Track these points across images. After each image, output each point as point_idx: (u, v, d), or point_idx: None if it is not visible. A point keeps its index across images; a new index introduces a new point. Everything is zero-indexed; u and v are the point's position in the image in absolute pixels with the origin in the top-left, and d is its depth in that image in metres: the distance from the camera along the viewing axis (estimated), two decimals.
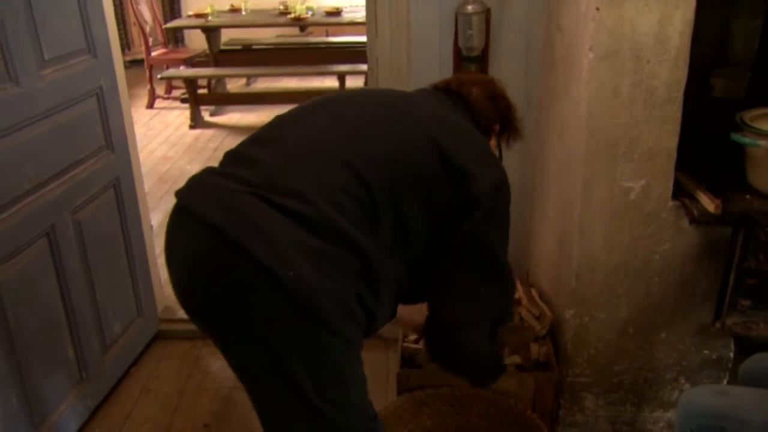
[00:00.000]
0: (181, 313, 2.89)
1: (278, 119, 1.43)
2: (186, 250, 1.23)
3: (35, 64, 1.85)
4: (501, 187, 1.34)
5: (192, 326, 2.70)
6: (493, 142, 1.55)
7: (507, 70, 2.21)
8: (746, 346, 1.82)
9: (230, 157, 1.35)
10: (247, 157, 1.30)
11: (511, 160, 2.34)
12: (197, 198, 1.24)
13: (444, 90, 1.52)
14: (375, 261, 1.21)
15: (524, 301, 2.05)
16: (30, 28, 1.82)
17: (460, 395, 1.90)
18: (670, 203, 1.80)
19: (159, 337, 2.67)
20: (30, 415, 1.89)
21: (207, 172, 1.32)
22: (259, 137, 1.38)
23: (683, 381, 2.00)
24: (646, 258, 1.85)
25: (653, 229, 1.82)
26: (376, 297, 1.24)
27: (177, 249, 1.26)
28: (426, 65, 2.22)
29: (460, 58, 2.18)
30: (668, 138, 1.74)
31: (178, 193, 1.30)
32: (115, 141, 2.28)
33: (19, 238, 1.82)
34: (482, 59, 2.17)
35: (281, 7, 6.15)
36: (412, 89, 2.33)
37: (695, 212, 1.75)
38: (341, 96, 1.53)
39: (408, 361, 1.99)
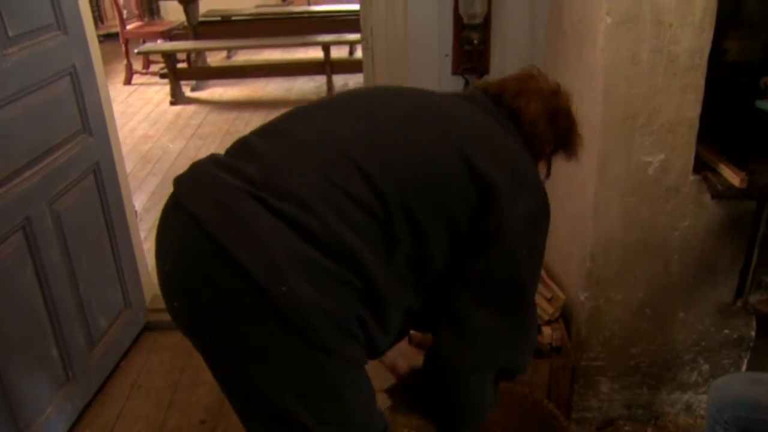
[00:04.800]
0: None
1: (298, 110, 1.26)
2: (174, 249, 1.10)
3: None
4: (535, 219, 1.18)
5: None
6: (542, 163, 1.33)
7: (511, 38, 2.08)
8: None
9: (238, 145, 1.20)
10: (254, 149, 1.14)
11: None
12: (192, 191, 1.11)
13: (494, 98, 1.29)
14: (382, 286, 1.06)
15: None
16: None
17: None
18: (691, 177, 1.69)
19: (148, 328, 2.55)
20: (14, 421, 1.76)
21: (211, 161, 1.17)
22: (272, 128, 1.22)
23: (702, 362, 1.92)
24: (665, 235, 1.75)
25: (673, 204, 1.72)
26: (379, 323, 1.10)
27: (165, 245, 1.13)
28: (424, 35, 2.08)
29: (460, 27, 2.03)
30: (690, 108, 1.62)
31: (176, 182, 1.16)
32: (92, 123, 2.12)
33: None
34: (485, 27, 2.03)
35: None
36: (410, 61, 2.17)
37: (718, 186, 1.64)
38: (370, 92, 1.35)
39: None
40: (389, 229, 1.07)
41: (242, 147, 1.18)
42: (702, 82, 1.61)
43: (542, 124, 1.26)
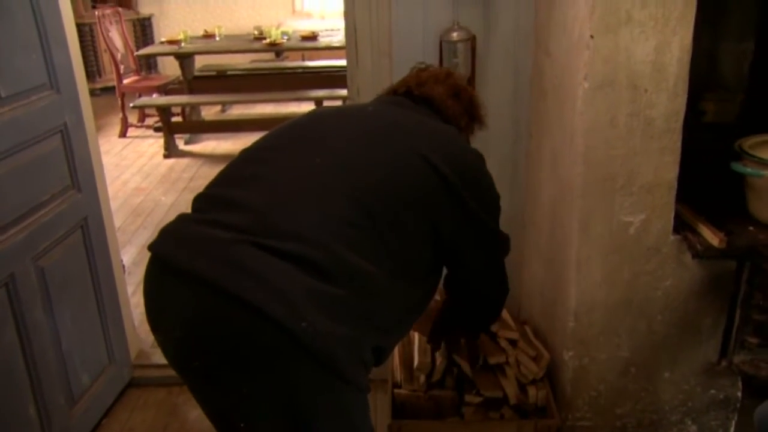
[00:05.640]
0: (157, 358, 2.75)
1: (250, 153, 1.32)
2: (181, 312, 1.10)
3: None
4: (479, 179, 1.38)
5: (168, 372, 2.56)
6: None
7: (495, 99, 2.12)
8: (756, 387, 1.73)
9: (205, 200, 1.23)
10: (229, 199, 1.18)
11: (502, 191, 2.25)
12: (183, 251, 1.12)
13: (406, 95, 1.47)
14: (387, 292, 1.17)
15: (520, 342, 1.94)
16: None
17: None
18: (672, 237, 1.71)
19: (132, 384, 2.51)
20: None
21: (185, 220, 1.20)
22: (234, 176, 1.26)
23: (689, 423, 1.90)
24: (647, 295, 1.76)
25: (654, 264, 1.73)
26: (390, 331, 1.22)
27: (167, 311, 1.14)
28: None
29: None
30: (668, 169, 1.66)
31: (156, 247, 1.18)
32: (81, 180, 2.14)
33: None
34: None
35: (256, 33, 6.05)
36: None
37: (698, 246, 1.66)
38: (311, 120, 1.42)
39: (399, 409, 1.87)
40: (381, 237, 1.17)
41: (214, 201, 1.21)
42: (678, 144, 1.64)
43: (450, 102, 1.46)
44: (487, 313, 1.65)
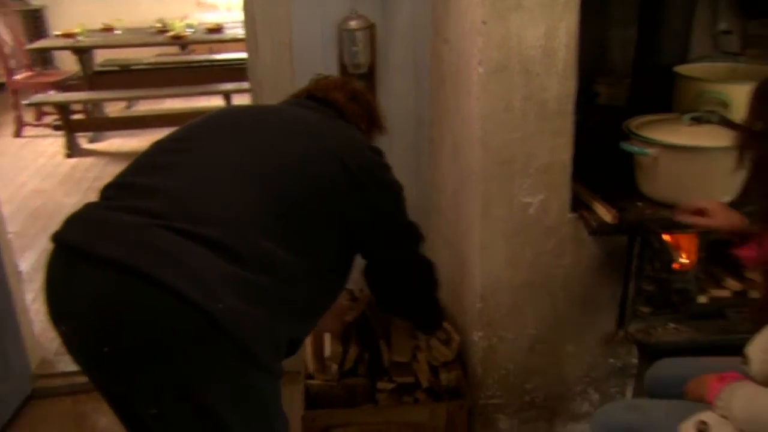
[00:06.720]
0: (62, 366, 2.62)
1: (162, 144, 1.32)
2: (92, 297, 1.06)
3: None
4: (382, 173, 1.44)
5: (74, 380, 2.45)
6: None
7: (396, 87, 2.14)
8: (649, 353, 1.82)
9: (116, 188, 1.21)
10: (142, 186, 1.17)
11: (406, 179, 2.27)
12: (95, 236, 1.09)
13: (310, 99, 1.52)
14: (300, 280, 1.19)
15: None
16: None
17: None
18: (569, 216, 1.78)
19: (34, 396, 2.38)
20: None
21: (94, 207, 1.17)
22: (147, 165, 1.25)
23: (592, 392, 1.99)
24: (549, 273, 1.82)
25: (554, 243, 1.79)
26: (303, 320, 1.25)
27: (75, 298, 1.09)
28: None
29: (347, 76, 2.08)
30: (562, 151, 1.71)
31: (62, 234, 1.13)
32: None
33: None
34: (370, 76, 2.09)
35: (159, 25, 5.83)
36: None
37: (593, 223, 1.74)
38: (223, 115, 1.45)
39: (312, 399, 1.86)
40: (293, 224, 1.20)
41: (125, 188, 1.20)
42: (571, 126, 1.70)
43: (350, 105, 1.52)
44: (418, 301, 1.71)
